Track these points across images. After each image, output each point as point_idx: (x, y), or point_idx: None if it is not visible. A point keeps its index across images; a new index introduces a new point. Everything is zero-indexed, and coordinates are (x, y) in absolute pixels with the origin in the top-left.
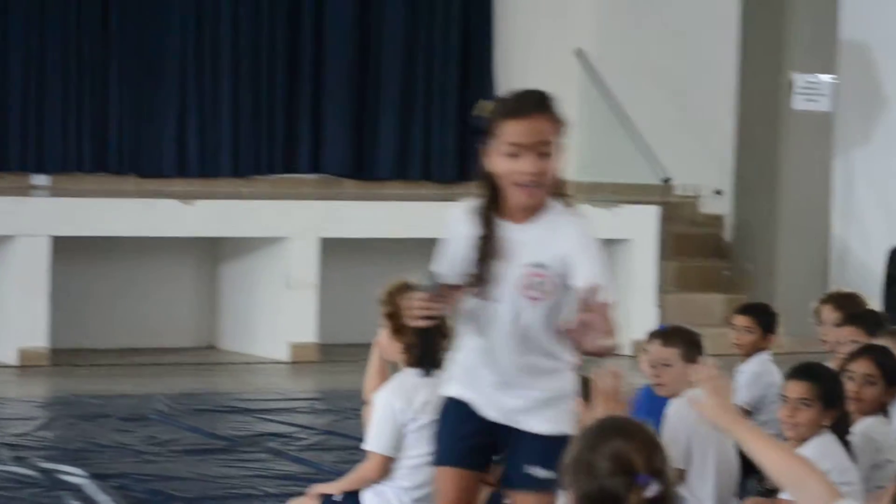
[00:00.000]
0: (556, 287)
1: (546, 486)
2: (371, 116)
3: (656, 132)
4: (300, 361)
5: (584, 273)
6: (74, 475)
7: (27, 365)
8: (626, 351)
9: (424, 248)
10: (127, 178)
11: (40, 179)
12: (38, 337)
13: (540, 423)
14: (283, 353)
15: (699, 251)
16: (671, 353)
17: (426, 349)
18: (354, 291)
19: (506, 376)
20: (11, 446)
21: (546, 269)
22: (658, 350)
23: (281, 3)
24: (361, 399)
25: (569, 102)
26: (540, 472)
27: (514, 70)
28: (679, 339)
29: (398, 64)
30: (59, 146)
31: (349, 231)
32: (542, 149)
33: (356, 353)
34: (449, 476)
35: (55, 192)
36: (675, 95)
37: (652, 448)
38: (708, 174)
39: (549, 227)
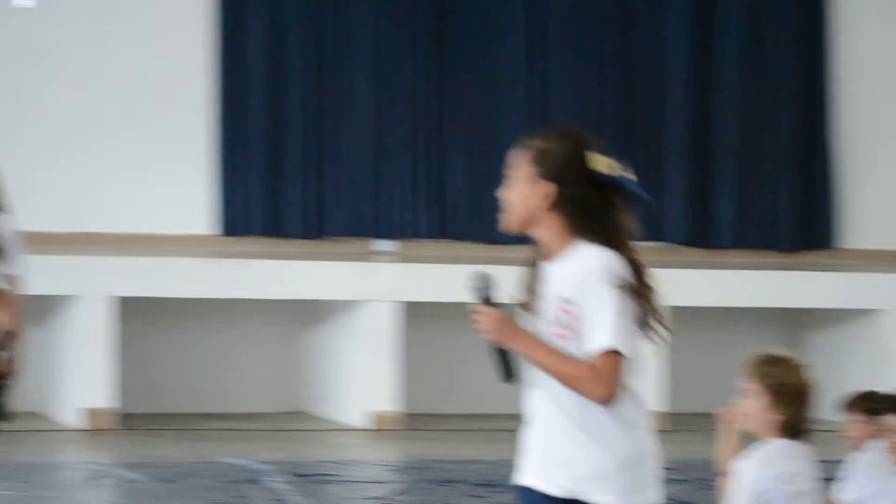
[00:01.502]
0: (579, 325)
1: None
2: (710, 183)
3: None
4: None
5: (594, 330)
6: None
7: (380, 429)
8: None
9: (764, 318)
10: (469, 244)
11: (383, 245)
12: (389, 401)
13: (609, 496)
14: None
15: None
16: None
17: (504, 364)
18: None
19: (552, 436)
20: None
21: (572, 306)
22: None
23: (613, 68)
24: (717, 469)
25: None
26: None
27: (854, 137)
28: None
29: (736, 131)
30: (400, 212)
31: (693, 300)
32: (508, 175)
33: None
34: None
35: (403, 258)
36: None
37: None
38: None
39: (570, 264)
